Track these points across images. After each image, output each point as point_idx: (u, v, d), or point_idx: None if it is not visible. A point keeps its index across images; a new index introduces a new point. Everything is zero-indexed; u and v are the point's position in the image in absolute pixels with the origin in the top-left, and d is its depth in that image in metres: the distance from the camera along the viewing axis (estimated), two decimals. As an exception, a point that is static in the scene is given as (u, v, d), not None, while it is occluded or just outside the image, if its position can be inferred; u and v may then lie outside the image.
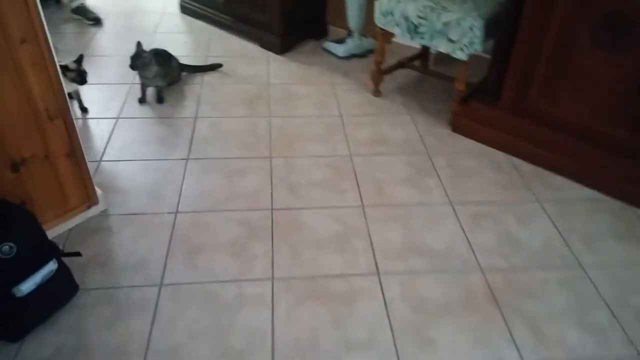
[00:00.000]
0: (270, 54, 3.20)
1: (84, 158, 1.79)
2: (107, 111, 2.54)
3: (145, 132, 2.41)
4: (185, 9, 3.68)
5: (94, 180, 2.02)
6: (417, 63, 2.95)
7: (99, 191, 1.91)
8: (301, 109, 2.65)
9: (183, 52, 3.14)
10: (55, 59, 1.60)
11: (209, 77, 2.90)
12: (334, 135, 2.46)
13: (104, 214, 1.93)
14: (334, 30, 3.46)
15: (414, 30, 2.39)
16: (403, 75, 2.97)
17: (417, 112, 2.67)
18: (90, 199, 1.87)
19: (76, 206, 1.83)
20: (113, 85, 2.76)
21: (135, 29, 3.44)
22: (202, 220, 1.93)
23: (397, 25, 2.44)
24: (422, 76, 2.98)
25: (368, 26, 3.20)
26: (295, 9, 3.16)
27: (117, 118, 2.48)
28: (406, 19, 2.39)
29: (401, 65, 2.87)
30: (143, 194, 2.04)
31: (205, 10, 3.53)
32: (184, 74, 2.86)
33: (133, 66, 2.48)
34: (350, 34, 3.18)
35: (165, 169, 2.18)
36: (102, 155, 2.23)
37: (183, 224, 1.91)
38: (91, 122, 2.44)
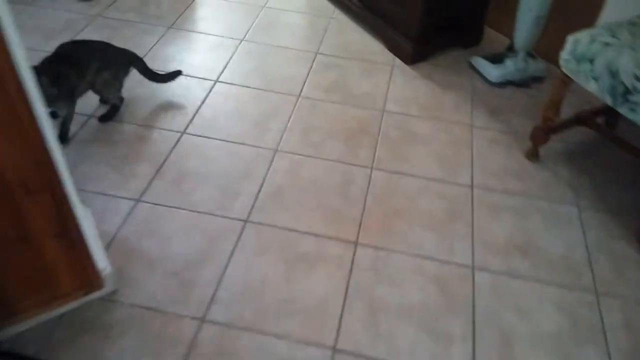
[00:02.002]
0: (397, 61, 2.42)
1: (82, 236, 1.26)
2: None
3: (197, 170, 1.84)
4: (308, -22, 2.98)
5: (116, 241, 1.52)
6: (600, 120, 2.01)
7: (106, 270, 1.38)
8: (417, 163, 1.90)
9: (286, 39, 2.48)
10: (41, 110, 1.04)
11: (308, 86, 2.23)
12: (455, 223, 1.69)
13: (112, 298, 1.42)
14: (492, 38, 2.56)
15: (622, 94, 1.49)
16: (576, 133, 2.05)
17: (591, 202, 1.79)
18: (91, 285, 1.36)
19: (69, 292, 1.33)
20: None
21: (240, 1, 2.82)
22: (232, 343, 1.34)
23: (596, 79, 1.54)
24: (604, 140, 2.04)
25: (541, 44, 2.26)
26: (444, 3, 2.31)
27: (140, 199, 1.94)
28: (613, 74, 1.49)
29: (579, 121, 1.95)
30: (169, 275, 1.49)
31: (331, -15, 2.80)
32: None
33: None
34: (512, 50, 2.28)
35: (212, 236, 1.60)
36: (121, 225, 1.71)
37: (207, 341, 1.34)
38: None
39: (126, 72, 1.97)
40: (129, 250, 1.54)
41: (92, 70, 1.82)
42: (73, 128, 1.92)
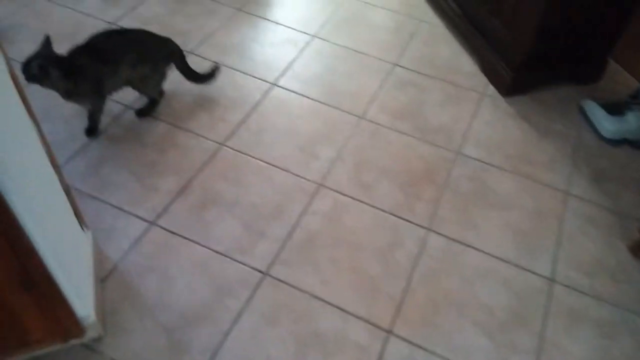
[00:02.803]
0: (490, 89, 2.01)
1: (55, 286, 1.05)
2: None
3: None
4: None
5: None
6: None
7: (89, 319, 1.18)
8: (487, 233, 1.54)
9: (363, 41, 2.13)
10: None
11: (374, 106, 1.89)
12: (519, 331, 1.34)
13: (94, 346, 1.23)
14: (616, 77, 2.07)
15: None
16: None
17: None
18: (68, 333, 1.17)
19: (42, 339, 1.15)
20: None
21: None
22: None
23: None
24: None
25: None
26: (564, 28, 1.86)
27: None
28: None
29: None
30: (161, 330, 1.27)
31: (430, -18, 2.38)
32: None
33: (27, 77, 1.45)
34: (638, 100, 1.81)
35: (221, 287, 1.36)
36: (127, 252, 1.50)
37: None
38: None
39: (167, 64, 1.74)
40: (126, 287, 1.34)
41: (127, 65, 1.60)
42: (106, 119, 1.73)
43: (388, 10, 2.36)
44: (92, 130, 1.69)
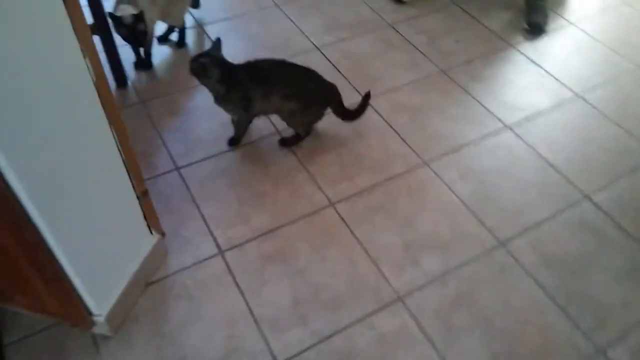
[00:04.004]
0: None
1: (65, 279, 1.10)
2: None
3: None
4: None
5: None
6: None
7: (100, 317, 1.22)
8: None
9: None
10: None
11: (533, 237, 1.50)
12: None
13: (97, 343, 1.28)
14: None
15: None
16: None
17: None
18: (76, 320, 1.23)
19: (54, 312, 1.23)
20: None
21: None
22: None
23: None
24: None
25: None
26: None
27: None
28: None
29: None
30: None
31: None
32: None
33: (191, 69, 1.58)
34: None
35: (234, 349, 1.26)
36: (185, 269, 1.47)
37: None
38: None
39: (321, 108, 1.69)
40: (160, 302, 1.35)
41: (279, 96, 1.60)
42: (253, 135, 1.78)
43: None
44: (234, 141, 1.75)
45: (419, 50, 2.16)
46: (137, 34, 1.81)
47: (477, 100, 1.94)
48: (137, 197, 1.26)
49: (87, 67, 0.97)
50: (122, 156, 1.15)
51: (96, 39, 1.77)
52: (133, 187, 1.23)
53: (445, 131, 1.83)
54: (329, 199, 1.61)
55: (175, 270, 1.42)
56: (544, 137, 1.82)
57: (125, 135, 1.15)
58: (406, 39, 2.21)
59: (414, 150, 1.76)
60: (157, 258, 1.41)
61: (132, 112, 1.86)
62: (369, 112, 1.86)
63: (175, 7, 1.99)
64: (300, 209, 1.58)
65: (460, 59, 2.12)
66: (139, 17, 1.76)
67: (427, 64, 2.10)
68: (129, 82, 1.97)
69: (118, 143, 1.13)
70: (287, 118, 1.68)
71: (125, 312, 1.31)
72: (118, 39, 1.84)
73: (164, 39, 2.15)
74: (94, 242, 1.14)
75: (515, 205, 1.61)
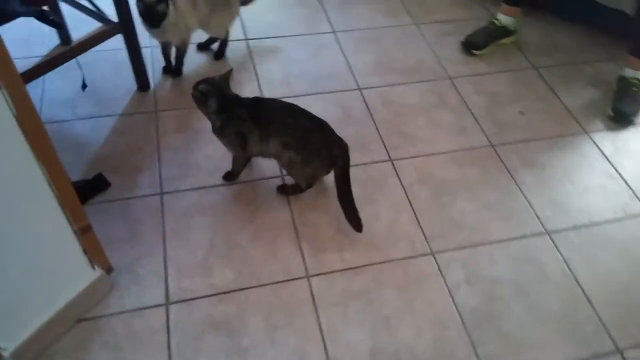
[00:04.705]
0: None
1: None
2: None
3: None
4: None
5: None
6: None
7: (7, 351, 1.11)
8: None
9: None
10: None
11: None
12: None
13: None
14: None
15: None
16: None
17: None
18: None
19: None
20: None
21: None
22: None
23: None
24: None
25: None
26: None
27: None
28: None
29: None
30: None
31: None
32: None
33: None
34: None
35: None
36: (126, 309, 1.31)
37: None
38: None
39: (322, 167, 1.48)
40: (81, 345, 1.23)
41: (278, 142, 1.43)
42: (253, 174, 1.62)
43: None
44: (230, 176, 1.60)
45: (472, 114, 1.87)
46: (155, 14, 1.66)
47: (522, 191, 1.64)
48: (75, 232, 1.14)
49: (5, 99, 0.85)
50: (53, 192, 1.03)
51: (119, 39, 1.70)
52: (69, 222, 1.11)
53: (469, 220, 1.56)
54: (306, 269, 1.41)
55: (113, 312, 1.29)
56: (588, 257, 1.48)
57: (59, 171, 1.02)
58: (462, 98, 1.93)
59: (424, 234, 1.51)
60: (96, 293, 1.29)
61: (141, 120, 1.76)
62: (389, 174, 1.64)
63: (217, 18, 1.87)
64: (271, 273, 1.39)
65: (518, 135, 1.82)
66: None
67: (477, 132, 1.82)
68: (152, 86, 1.88)
69: (49, 180, 1.00)
70: (286, 167, 1.50)
71: (40, 348, 1.20)
72: (143, 41, 1.75)
73: (203, 47, 2.04)
74: (11, 272, 1.03)
75: (524, 339, 1.31)
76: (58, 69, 1.60)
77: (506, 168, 1.71)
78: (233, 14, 1.93)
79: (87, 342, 1.23)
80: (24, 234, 1.03)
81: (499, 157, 1.74)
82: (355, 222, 1.45)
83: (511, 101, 1.94)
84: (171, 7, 1.68)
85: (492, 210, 1.59)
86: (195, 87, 1.44)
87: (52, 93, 1.82)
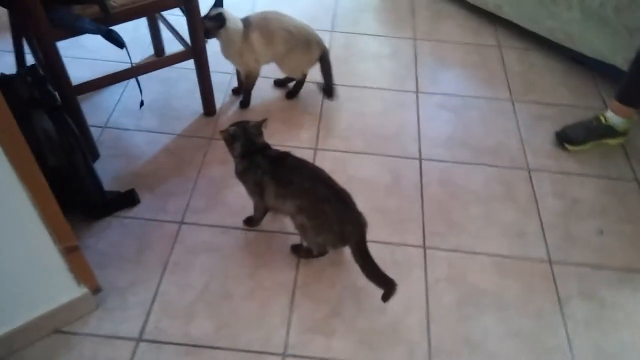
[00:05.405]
0: None
1: None
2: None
3: None
4: None
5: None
6: None
7: None
8: None
9: None
10: None
11: None
12: None
13: None
14: None
15: None
16: None
17: None
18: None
19: None
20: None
21: None
22: None
23: None
24: None
25: None
26: None
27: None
28: None
29: None
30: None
31: None
32: None
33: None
34: None
35: None
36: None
37: None
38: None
39: (334, 239, 1.37)
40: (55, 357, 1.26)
41: (293, 204, 1.36)
42: (272, 227, 1.56)
43: None
44: (250, 221, 1.56)
45: (540, 219, 1.62)
46: (207, 28, 1.72)
47: (566, 327, 1.37)
48: (60, 251, 1.17)
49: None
50: (37, 212, 1.06)
51: (190, 64, 1.75)
52: (53, 241, 1.14)
53: (490, 345, 1.33)
54: (286, 346, 1.30)
55: (88, 333, 1.31)
56: None
57: (44, 193, 1.05)
58: (535, 196, 1.69)
59: (429, 346, 1.32)
60: (78, 310, 1.31)
61: (195, 144, 1.79)
62: (416, 264, 1.48)
63: (292, 59, 1.85)
64: (250, 340, 1.31)
65: (587, 257, 1.53)
66: (218, 16, 1.70)
67: (538, 242, 1.57)
68: (217, 111, 1.91)
69: (34, 200, 1.04)
70: (298, 230, 1.42)
71: (8, 349, 1.24)
72: (221, 67, 1.78)
73: (280, 84, 2.03)
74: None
75: None
76: (146, 77, 1.70)
77: (557, 293, 1.44)
78: (311, 60, 1.88)
79: (54, 356, 1.26)
80: (4, 244, 1.08)
81: (553, 277, 1.48)
82: (386, 287, 1.31)
83: (593, 214, 1.65)
84: (236, 36, 1.73)
85: (521, 341, 1.34)
86: (230, 127, 1.43)
87: (127, 100, 1.92)
